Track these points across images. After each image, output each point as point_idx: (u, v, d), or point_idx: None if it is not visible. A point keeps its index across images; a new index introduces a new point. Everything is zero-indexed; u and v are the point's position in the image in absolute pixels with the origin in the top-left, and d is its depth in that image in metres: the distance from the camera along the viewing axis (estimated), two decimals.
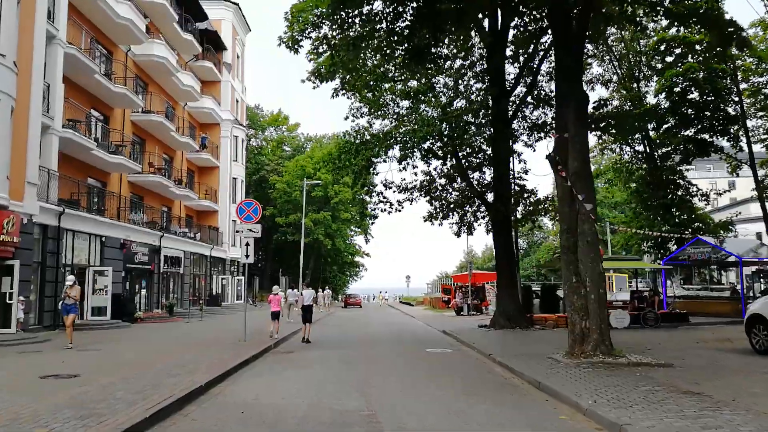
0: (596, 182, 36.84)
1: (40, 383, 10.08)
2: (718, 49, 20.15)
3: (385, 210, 23.74)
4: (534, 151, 22.87)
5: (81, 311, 24.64)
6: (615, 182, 35.73)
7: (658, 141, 31.01)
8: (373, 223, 22.96)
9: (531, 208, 22.12)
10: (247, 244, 17.94)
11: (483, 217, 22.64)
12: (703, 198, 30.29)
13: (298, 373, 11.97)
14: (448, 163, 22.79)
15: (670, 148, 30.80)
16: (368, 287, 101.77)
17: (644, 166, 32.03)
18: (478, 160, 22.28)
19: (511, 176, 22.09)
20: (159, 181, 34.16)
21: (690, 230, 29.29)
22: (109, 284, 25.53)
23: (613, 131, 19.67)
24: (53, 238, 22.48)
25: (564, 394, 8.84)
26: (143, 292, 32.26)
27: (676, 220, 29.54)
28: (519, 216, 22.75)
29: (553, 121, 21.72)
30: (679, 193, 30.60)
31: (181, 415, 8.19)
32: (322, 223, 59.76)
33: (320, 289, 44.94)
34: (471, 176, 22.55)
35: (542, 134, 21.99)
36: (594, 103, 18.61)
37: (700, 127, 29.36)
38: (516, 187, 22.47)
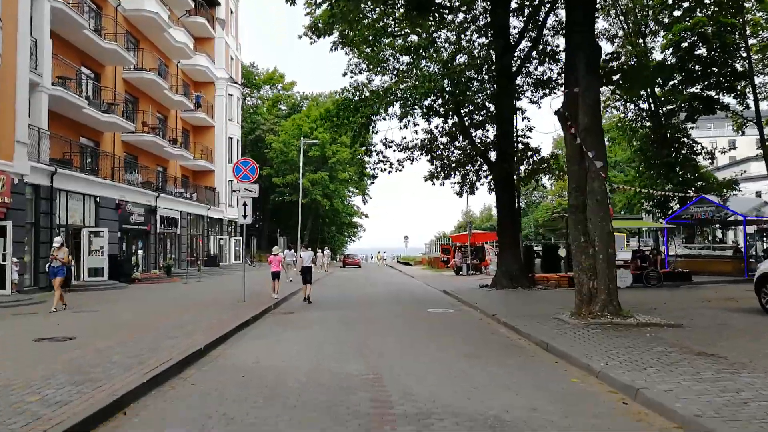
0: None
1: (35, 347, 9.80)
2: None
3: (385, 170, 23.26)
4: (539, 107, 22.11)
5: (77, 272, 24.47)
6: (618, 141, 35.19)
7: (662, 98, 30.35)
8: (372, 183, 22.59)
9: (534, 166, 21.63)
10: (245, 204, 17.53)
11: (486, 176, 22.17)
12: (708, 156, 29.83)
13: (298, 334, 11.72)
14: (450, 121, 22.21)
15: (675, 106, 30.19)
16: (366, 248, 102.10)
17: (648, 124, 31.46)
18: (480, 118, 21.67)
19: (514, 134, 21.54)
20: (153, 140, 33.48)
21: (693, 189, 28.93)
22: (105, 245, 25.20)
23: (626, 85, 18.94)
24: (46, 199, 22.02)
25: (573, 356, 8.59)
26: (140, 252, 32.00)
27: (680, 179, 29.14)
28: (522, 175, 22.28)
29: (559, 77, 21.10)
30: (684, 151, 30.14)
31: (180, 379, 7.93)
32: (319, 183, 59.22)
33: (319, 250, 44.71)
34: (473, 134, 21.99)
35: (547, 91, 21.34)
36: (606, 55, 17.83)
37: (706, 83, 28.69)
38: (520, 145, 21.94)
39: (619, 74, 17.86)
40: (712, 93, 28.90)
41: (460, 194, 23.46)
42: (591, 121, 11.88)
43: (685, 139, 30.24)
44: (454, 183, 22.85)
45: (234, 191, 17.73)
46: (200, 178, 45.30)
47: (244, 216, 17.47)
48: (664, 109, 30.73)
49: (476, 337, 11.27)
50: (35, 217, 21.57)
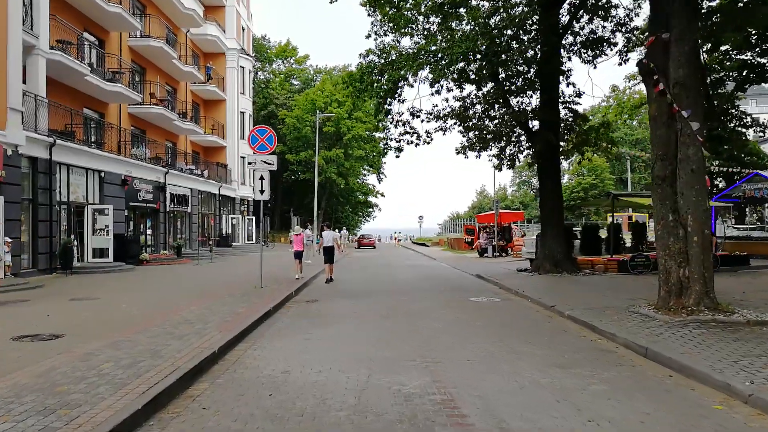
0: (628, 117, 33.83)
1: (10, 348, 7.95)
2: None
3: (411, 142, 21.13)
4: (595, 67, 19.48)
5: (80, 253, 22.75)
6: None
7: (707, 65, 27.77)
8: (397, 156, 20.40)
9: (583, 137, 19.37)
10: (261, 178, 15.56)
11: (529, 148, 19.93)
12: (760, 130, 27.39)
13: (329, 332, 9.81)
14: (485, 88, 20.00)
15: (722, 74, 27.63)
16: (379, 228, 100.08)
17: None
18: (520, 83, 19.40)
19: (560, 100, 19.27)
20: (161, 113, 31.50)
21: (740, 165, 26.58)
22: (110, 223, 23.41)
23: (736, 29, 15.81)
24: (44, 173, 20.17)
25: (697, 369, 6.60)
26: (149, 232, 30.23)
27: (729, 155, 26.79)
28: (567, 147, 20.05)
29: (613, 35, 18.82)
30: (732, 124, 27.67)
31: (188, 398, 6.04)
32: (334, 161, 57.13)
33: (336, 230, 42.96)
34: (512, 102, 19.74)
35: (597, 51, 18.96)
36: None
37: (758, 50, 26.11)
38: (567, 113, 19.64)
39: (720, 17, 14.79)
40: (765, 60, 26.31)
41: (499, 168, 21.36)
42: (687, 73, 9.74)
43: (734, 111, 27.75)
44: (492, 156, 20.71)
45: (249, 164, 15.77)
46: (211, 154, 43.39)
47: (261, 191, 15.51)
48: (711, 77, 28.15)
49: (546, 336, 9.28)
50: (33, 193, 19.74)
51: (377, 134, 62.71)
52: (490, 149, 20.39)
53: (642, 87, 25.08)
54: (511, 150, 20.46)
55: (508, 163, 20.62)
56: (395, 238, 77.43)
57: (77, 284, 17.38)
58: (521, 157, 20.49)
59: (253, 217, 48.73)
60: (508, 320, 10.81)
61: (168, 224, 32.30)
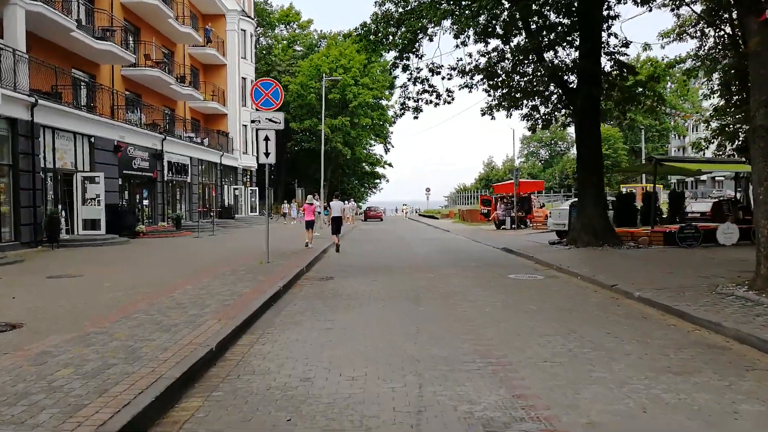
0: (665, 78, 31.52)
1: None
2: None
3: (430, 101, 19.13)
4: (650, 10, 16.59)
5: (70, 224, 20.96)
6: (694, 74, 30.39)
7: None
8: (416, 117, 18.46)
9: (627, 93, 17.21)
10: (267, 139, 13.61)
11: (566, 106, 17.80)
12: None
13: (353, 318, 7.98)
14: (514, 41, 17.87)
15: None
16: (386, 200, 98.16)
17: (730, 53, 26.70)
18: (554, 35, 17.19)
19: (603, 50, 17.07)
20: (158, 76, 29.34)
21: None
22: (102, 193, 21.56)
23: None
24: (26, 136, 18.20)
25: None
26: (145, 202, 28.35)
27: None
28: (609, 105, 17.94)
29: None
30: None
31: (170, 425, 4.22)
32: (340, 129, 54.87)
33: (345, 201, 41.25)
34: (546, 56, 17.58)
35: None
36: None
37: None
38: (613, 65, 17.44)
39: None
40: None
41: (533, 129, 19.33)
42: None
43: None
44: (524, 116, 18.62)
45: (253, 122, 13.81)
46: (212, 121, 41.29)
47: (267, 153, 13.56)
48: None
49: (625, 325, 7.44)
50: (13, 159, 17.82)
51: (385, 102, 60.46)
52: (521, 108, 18.33)
53: (677, 47, 22.61)
54: (549, 107, 18.33)
55: (543, 123, 18.56)
56: (403, 211, 75.60)
57: (62, 259, 15.60)
58: (558, 115, 18.37)
59: (257, 188, 46.82)
60: (566, 304, 8.95)
61: (166, 194, 30.42)
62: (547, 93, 18.27)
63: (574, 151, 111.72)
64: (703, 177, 75.20)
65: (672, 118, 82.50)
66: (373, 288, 10.61)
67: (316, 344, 6.51)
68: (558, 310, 8.36)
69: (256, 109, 13.71)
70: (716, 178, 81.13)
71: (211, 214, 34.57)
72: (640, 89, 17.51)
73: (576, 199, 20.17)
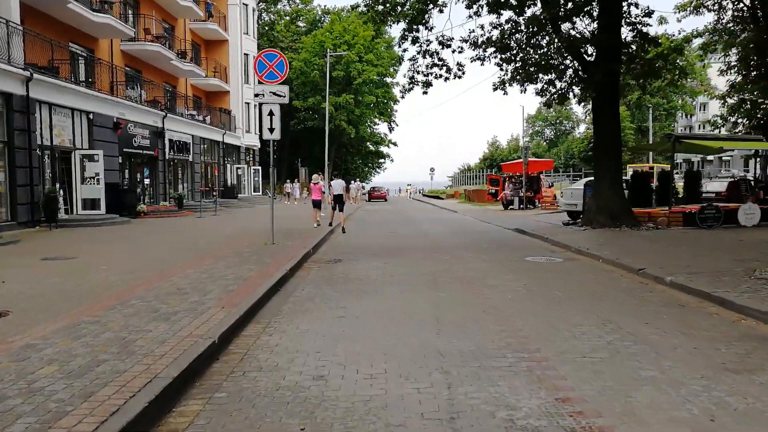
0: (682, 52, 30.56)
1: None
2: None
3: (440, 76, 18.37)
4: None
5: (69, 204, 20.39)
6: (711, 48, 29.40)
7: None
8: (425, 92, 17.75)
9: (647, 67, 16.37)
10: (271, 114, 12.94)
11: (583, 80, 16.93)
12: None
13: (367, 305, 7.40)
14: (529, 11, 17.03)
15: None
16: (389, 181, 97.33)
17: (749, 27, 25.71)
18: (571, 5, 16.30)
19: (624, 21, 16.22)
20: (158, 51, 28.51)
21: None
22: (101, 171, 20.96)
23: None
24: (21, 112, 17.56)
25: None
26: (147, 181, 27.75)
27: None
28: (629, 79, 17.12)
29: None
30: None
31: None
32: (344, 107, 53.98)
33: (352, 181, 40.90)
34: (562, 27, 16.72)
35: None
36: None
37: None
38: (634, 36, 16.57)
39: None
40: None
41: (548, 105, 18.55)
42: None
43: None
44: (539, 91, 17.82)
45: (256, 95, 13.12)
46: (214, 99, 40.48)
47: (271, 128, 12.90)
48: None
49: (662, 314, 6.84)
50: (8, 135, 17.20)
51: (390, 79, 59.44)
52: (536, 83, 17.54)
53: (693, 20, 21.51)
54: (565, 81, 17.51)
55: (558, 98, 17.78)
56: (407, 191, 74.84)
57: (60, 240, 15.06)
58: (576, 90, 17.56)
59: (260, 168, 46.18)
60: (594, 289, 8.35)
61: (168, 173, 29.80)
62: (562, 67, 17.47)
63: (579, 130, 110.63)
64: (710, 156, 74.25)
65: (682, 95, 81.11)
66: (385, 271, 10.02)
67: (329, 335, 5.93)
68: (586, 297, 7.77)
69: (260, 82, 13.02)
70: (723, 158, 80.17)
71: (214, 193, 33.97)
72: (662, 62, 16.67)
73: (591, 179, 19.49)
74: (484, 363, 4.97)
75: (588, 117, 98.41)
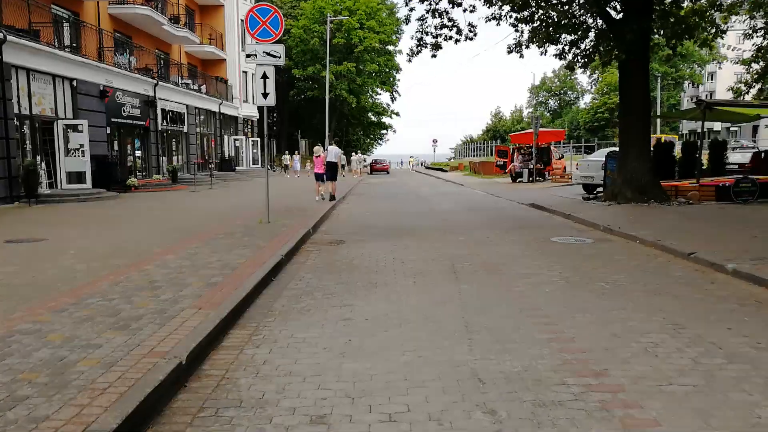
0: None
1: None
2: None
3: (450, 37, 16.85)
4: None
5: (53, 177, 19.07)
6: (735, 10, 27.65)
7: None
8: (434, 56, 16.38)
9: (681, 24, 14.83)
10: (265, 77, 11.52)
11: (611, 41, 15.36)
12: None
13: (376, 303, 6.14)
14: None
15: None
16: (391, 153, 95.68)
17: None
18: None
19: None
20: (148, 14, 26.81)
21: None
22: (86, 142, 19.58)
23: None
24: None
25: None
26: (138, 154, 26.35)
27: None
28: (659, 39, 15.60)
29: None
30: None
31: None
32: (345, 76, 52.15)
33: (353, 154, 39.52)
34: None
35: None
36: None
37: None
38: None
39: None
40: None
41: (571, 68, 17.01)
42: None
43: None
44: (559, 53, 16.31)
45: (248, 56, 11.70)
46: (210, 67, 38.83)
47: (265, 94, 11.50)
48: None
49: (749, 316, 5.56)
50: None
51: (392, 47, 57.49)
52: (557, 44, 15.99)
53: None
54: (585, 44, 15.97)
55: (581, 61, 16.26)
56: (409, 163, 73.39)
57: (36, 217, 13.79)
58: (601, 50, 15.97)
59: (258, 139, 44.68)
60: (645, 280, 7.04)
61: (161, 145, 28.39)
62: (585, 26, 15.92)
63: (585, 100, 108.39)
64: (717, 126, 72.65)
65: (690, 64, 79.12)
66: (396, 256, 8.74)
67: (331, 348, 4.66)
68: (639, 290, 6.48)
69: (252, 41, 11.57)
70: (731, 129, 78.40)
71: (210, 166, 32.59)
72: (697, 19, 15.11)
73: (613, 149, 18.09)
74: (540, 395, 3.70)
75: (593, 87, 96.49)
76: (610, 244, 9.78)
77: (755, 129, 65.47)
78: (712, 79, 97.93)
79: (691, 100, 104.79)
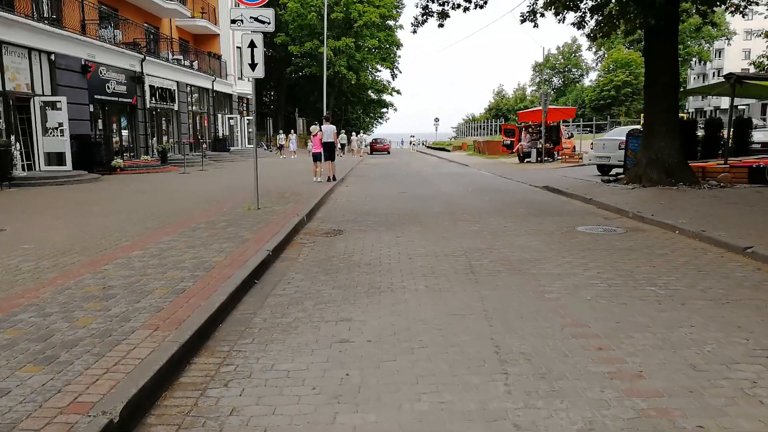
0: None
1: None
2: None
3: (459, 6, 15.51)
4: None
5: (31, 158, 17.82)
6: None
7: None
8: (441, 25, 15.06)
9: None
10: (253, 46, 10.24)
11: (636, 8, 13.95)
12: None
13: (380, 316, 4.99)
14: None
15: None
16: (391, 132, 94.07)
17: None
18: None
19: None
20: None
21: None
22: (65, 121, 18.28)
23: None
24: None
25: None
26: (125, 133, 25.02)
27: None
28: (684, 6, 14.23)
29: None
30: None
31: None
32: (344, 52, 50.50)
33: (353, 133, 38.22)
34: None
35: None
36: None
37: None
38: None
39: None
40: None
41: (593, 38, 15.53)
42: None
43: None
44: (577, 23, 14.97)
45: (233, 21, 10.41)
46: (202, 43, 37.26)
47: (253, 64, 10.22)
48: None
49: None
50: None
51: (392, 22, 55.75)
52: (577, 11, 14.63)
53: None
54: (607, 10, 14.56)
55: (603, 30, 14.88)
56: (410, 143, 71.94)
57: (4, 202, 12.59)
58: (629, 17, 14.58)
59: (254, 118, 43.21)
60: (702, 283, 5.87)
61: (149, 124, 27.03)
62: None
63: (591, 77, 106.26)
64: (724, 104, 71.32)
65: (699, 41, 77.19)
66: (401, 250, 7.55)
67: (323, 389, 3.50)
68: (704, 299, 5.29)
69: (238, 4, 10.27)
70: (739, 107, 77.05)
71: (203, 146, 31.25)
72: None
73: (634, 127, 16.83)
74: None
75: (599, 65, 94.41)
76: (644, 235, 8.59)
77: (764, 107, 63.93)
78: (719, 56, 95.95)
79: (699, 78, 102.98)
